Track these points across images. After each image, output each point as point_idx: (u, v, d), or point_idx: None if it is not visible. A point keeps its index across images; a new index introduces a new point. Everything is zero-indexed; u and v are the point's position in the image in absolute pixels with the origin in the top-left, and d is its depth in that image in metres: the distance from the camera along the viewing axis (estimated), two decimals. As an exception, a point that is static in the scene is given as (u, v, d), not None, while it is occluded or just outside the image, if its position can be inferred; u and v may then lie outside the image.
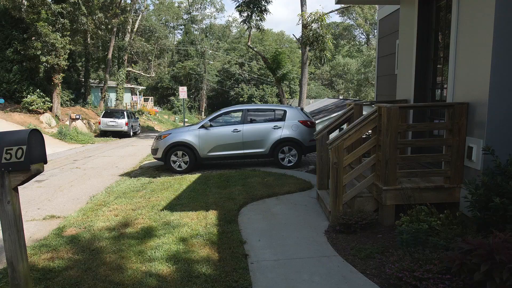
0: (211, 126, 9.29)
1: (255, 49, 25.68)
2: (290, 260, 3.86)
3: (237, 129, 9.22)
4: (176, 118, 39.35)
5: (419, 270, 2.91)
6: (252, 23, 18.53)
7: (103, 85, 29.50)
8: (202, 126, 9.27)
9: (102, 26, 26.63)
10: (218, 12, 77.81)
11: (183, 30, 53.07)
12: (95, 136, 21.36)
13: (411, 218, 4.23)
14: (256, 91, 44.33)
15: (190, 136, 9.18)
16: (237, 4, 18.48)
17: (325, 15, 16.43)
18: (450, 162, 4.57)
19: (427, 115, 6.09)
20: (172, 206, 5.91)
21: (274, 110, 9.67)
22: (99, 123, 21.50)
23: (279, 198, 6.26)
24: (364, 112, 5.99)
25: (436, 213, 4.27)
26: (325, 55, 16.66)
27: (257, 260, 3.88)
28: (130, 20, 31.15)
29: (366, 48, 41.50)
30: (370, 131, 5.35)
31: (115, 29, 28.48)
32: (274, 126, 9.29)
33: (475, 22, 4.34)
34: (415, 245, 3.43)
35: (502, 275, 2.51)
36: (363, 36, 45.46)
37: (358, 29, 47.11)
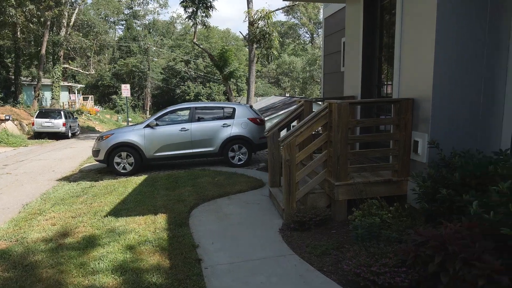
0: (157, 125, 8.88)
1: (201, 46, 25.21)
2: (246, 262, 3.73)
3: (185, 128, 8.90)
4: (119, 117, 37.62)
5: (376, 264, 2.92)
6: (197, 19, 18.15)
7: (36, 83, 27.29)
8: (148, 126, 8.84)
9: (34, 19, 24.63)
10: (162, 8, 75.34)
11: (124, 25, 50.85)
12: (29, 138, 19.70)
13: (363, 212, 4.28)
14: (203, 89, 43.73)
15: (135, 136, 8.71)
16: (182, 0, 17.98)
17: (272, 13, 16.52)
18: (398, 156, 4.71)
19: (374, 111, 6.26)
20: (117, 211, 5.52)
21: (223, 108, 9.49)
22: (33, 124, 19.83)
23: (231, 197, 6.11)
24: (314, 109, 6.03)
25: (386, 206, 4.37)
26: (272, 52, 16.77)
27: (212, 265, 3.69)
28: (66, 14, 29.09)
29: (310, 47, 42.62)
30: (319, 128, 5.38)
31: (48, 23, 26.42)
32: (224, 124, 9.11)
33: (418, 20, 4.49)
34: (369, 239, 3.45)
35: (455, 265, 2.57)
36: (308, 35, 46.66)
37: (303, 28, 48.29)
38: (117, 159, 8.64)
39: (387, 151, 4.72)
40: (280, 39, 24.00)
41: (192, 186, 6.75)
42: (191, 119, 9.08)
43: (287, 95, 35.59)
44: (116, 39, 49.93)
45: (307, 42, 46.29)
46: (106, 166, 8.95)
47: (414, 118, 4.60)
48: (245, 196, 6.18)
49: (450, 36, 4.16)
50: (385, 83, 5.81)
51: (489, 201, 2.74)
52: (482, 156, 3.73)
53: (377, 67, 6.01)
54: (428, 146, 4.25)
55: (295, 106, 6.43)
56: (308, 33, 46.03)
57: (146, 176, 8.11)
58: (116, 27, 52.82)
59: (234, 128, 9.12)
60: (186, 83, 44.05)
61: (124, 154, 8.64)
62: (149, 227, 4.77)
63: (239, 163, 9.05)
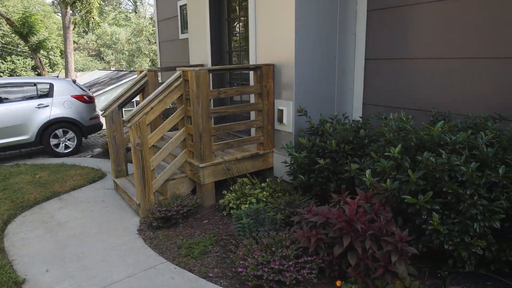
0: None
1: (-8, 9, 19.92)
2: (103, 288, 2.75)
3: (-20, 113, 6.61)
4: None
5: (275, 260, 2.44)
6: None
7: None
8: None
9: None
10: None
11: None
12: None
13: (236, 194, 3.78)
14: (3, 63, 35.42)
15: None
16: None
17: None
18: (262, 128, 4.35)
19: (226, 81, 5.77)
20: None
21: (35, 84, 7.43)
22: None
23: (63, 198, 4.74)
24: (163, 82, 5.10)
25: (258, 184, 3.98)
26: (93, 17, 14.36)
27: (50, 305, 2.58)
28: None
29: (135, 16, 39.28)
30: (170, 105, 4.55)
31: None
32: (39, 105, 7.16)
33: (274, -23, 4.09)
34: (256, 228, 2.96)
35: (364, 244, 2.30)
36: (131, 3, 42.81)
37: (123, -4, 43.96)
38: None
39: (252, 123, 4.30)
40: (101, 1, 21.02)
41: (3, 190, 4.99)
42: (-12, 101, 6.79)
43: (113, 68, 32.26)
44: None
45: (130, 11, 42.57)
46: None
47: (276, 85, 4.29)
48: (82, 193, 4.90)
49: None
50: (239, 48, 5.35)
51: (384, 168, 2.57)
52: (353, 121, 3.66)
53: (227, 32, 5.48)
54: (297, 115, 4.00)
55: (136, 77, 5.36)
56: (131, 1, 42.30)
57: None
58: None
59: (54, 109, 7.28)
60: (-26, 57, 34.79)
61: None
62: None
63: (66, 151, 7.35)
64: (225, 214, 3.80)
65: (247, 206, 3.62)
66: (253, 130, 4.74)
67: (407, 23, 3.70)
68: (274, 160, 4.48)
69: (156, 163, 4.01)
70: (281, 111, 4.21)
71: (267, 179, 4.05)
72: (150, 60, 35.12)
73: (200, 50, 5.74)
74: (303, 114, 3.90)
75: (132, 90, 5.05)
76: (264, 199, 3.71)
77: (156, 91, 3.94)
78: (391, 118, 2.95)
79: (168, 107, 4.96)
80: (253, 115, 4.80)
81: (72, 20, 14.63)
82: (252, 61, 4.57)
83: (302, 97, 4.07)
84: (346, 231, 2.30)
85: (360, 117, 4.13)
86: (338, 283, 2.34)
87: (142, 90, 5.25)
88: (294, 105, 4.05)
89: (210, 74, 4.40)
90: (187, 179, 4.32)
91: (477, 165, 2.22)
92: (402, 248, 2.20)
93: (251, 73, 4.60)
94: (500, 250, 2.39)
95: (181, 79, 4.03)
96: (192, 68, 3.83)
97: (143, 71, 5.19)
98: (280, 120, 4.24)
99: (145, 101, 3.89)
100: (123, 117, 4.77)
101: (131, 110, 4.84)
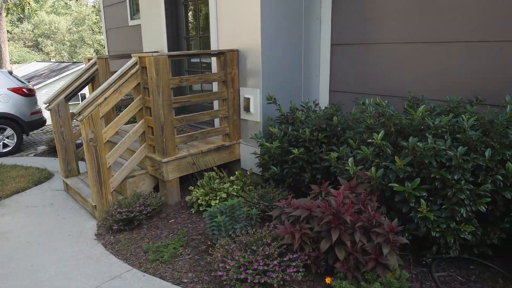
0: None
1: None
2: (59, 305, 2.39)
3: None
4: None
5: (259, 260, 2.23)
6: None
7: None
8: None
9: None
10: None
11: None
12: None
13: (204, 189, 3.52)
14: None
15: None
16: None
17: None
18: (228, 117, 4.11)
19: (185, 69, 5.43)
20: None
21: (-37, 76, 6.58)
22: None
23: (4, 203, 4.20)
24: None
25: (226, 177, 3.75)
26: (28, 3, 13.08)
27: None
28: None
29: (75, 3, 36.71)
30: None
31: None
32: (-31, 99, 6.35)
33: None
34: (232, 226, 2.73)
35: (353, 237, 2.16)
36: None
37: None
38: None
39: (217, 113, 4.03)
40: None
41: None
42: None
43: (54, 60, 30.04)
44: None
45: (69, -1, 39.76)
46: None
47: (240, 73, 4.05)
48: (27, 196, 4.37)
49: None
50: (198, 34, 5.01)
51: (366, 156, 2.44)
52: (325, 108, 3.52)
53: (184, 15, 5.12)
54: (266, 103, 3.79)
55: (83, 66, 4.85)
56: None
57: None
58: None
59: (-12, 103, 6.50)
60: None
61: None
62: None
63: (4, 150, 6.60)
64: (193, 211, 3.53)
65: (217, 202, 3.38)
66: (216, 121, 4.48)
67: (374, 7, 3.60)
68: (241, 152, 4.26)
69: (112, 160, 3.63)
70: (247, 100, 3.99)
71: (236, 172, 3.83)
72: (94, 51, 33.12)
73: (155, 37, 5.33)
74: (272, 102, 3.70)
75: (80, 80, 4.56)
76: (235, 193, 3.49)
77: (110, 79, 3.54)
78: (368, 104, 2.83)
79: (123, 98, 4.54)
80: (216, 105, 4.54)
81: (4, 6, 13.25)
82: (213, 47, 4.28)
83: (269, 84, 3.87)
84: (335, 224, 2.15)
85: (332, 103, 4.00)
86: (328, 280, 2.19)
87: (92, 80, 4.77)
88: (261, 93, 3.84)
89: (170, 61, 4.06)
90: (148, 176, 3.98)
91: (465, 149, 2.15)
92: (393, 239, 2.09)
93: (214, 60, 4.32)
94: (484, 234, 2.36)
95: (137, 66, 3.66)
96: (151, 53, 3.48)
97: (91, 59, 4.71)
98: (247, 109, 4.01)
99: (98, 90, 3.48)
100: (71, 110, 4.30)
101: (78, 104, 4.36)
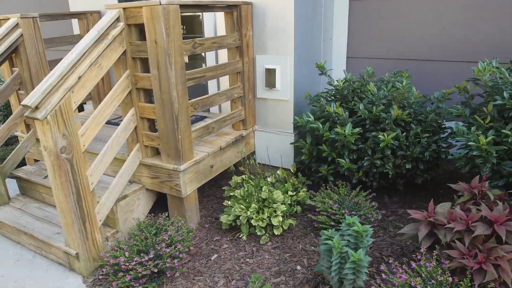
0: None
1: None
2: None
3: None
4: None
5: None
6: None
7: None
8: None
9: None
10: None
11: None
12: None
13: (249, 202, 2.45)
14: None
15: None
16: None
17: None
18: (243, 97, 3.01)
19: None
20: None
21: None
22: None
23: None
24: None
25: (263, 180, 2.71)
26: None
27: None
28: None
29: None
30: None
31: None
32: None
33: None
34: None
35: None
36: None
37: None
38: None
39: (233, 91, 2.88)
40: None
41: None
42: None
43: None
44: None
45: None
46: None
47: (255, 35, 2.96)
48: None
49: None
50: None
51: None
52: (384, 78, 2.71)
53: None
54: (303, 74, 2.80)
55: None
56: None
57: None
58: None
59: None
60: None
61: None
62: None
63: None
64: (242, 237, 2.42)
65: (280, 220, 2.35)
66: (224, 105, 3.34)
67: None
68: (256, 142, 3.22)
69: (97, 177, 2.25)
70: (271, 71, 2.93)
71: (278, 171, 2.79)
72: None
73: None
74: (322, 73, 2.74)
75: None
76: (292, 202, 2.50)
77: (81, 45, 2.11)
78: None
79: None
80: (225, 81, 3.36)
81: None
82: None
83: (301, 50, 2.90)
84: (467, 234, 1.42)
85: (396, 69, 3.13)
86: None
87: (13, 54, 3.02)
88: (292, 61, 2.84)
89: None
90: (144, 193, 2.68)
91: None
92: None
93: (220, 18, 3.13)
94: None
95: (121, 24, 2.29)
96: (147, 2, 2.16)
97: (8, 19, 2.96)
98: (271, 84, 2.96)
99: (64, 65, 2.03)
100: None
101: None
